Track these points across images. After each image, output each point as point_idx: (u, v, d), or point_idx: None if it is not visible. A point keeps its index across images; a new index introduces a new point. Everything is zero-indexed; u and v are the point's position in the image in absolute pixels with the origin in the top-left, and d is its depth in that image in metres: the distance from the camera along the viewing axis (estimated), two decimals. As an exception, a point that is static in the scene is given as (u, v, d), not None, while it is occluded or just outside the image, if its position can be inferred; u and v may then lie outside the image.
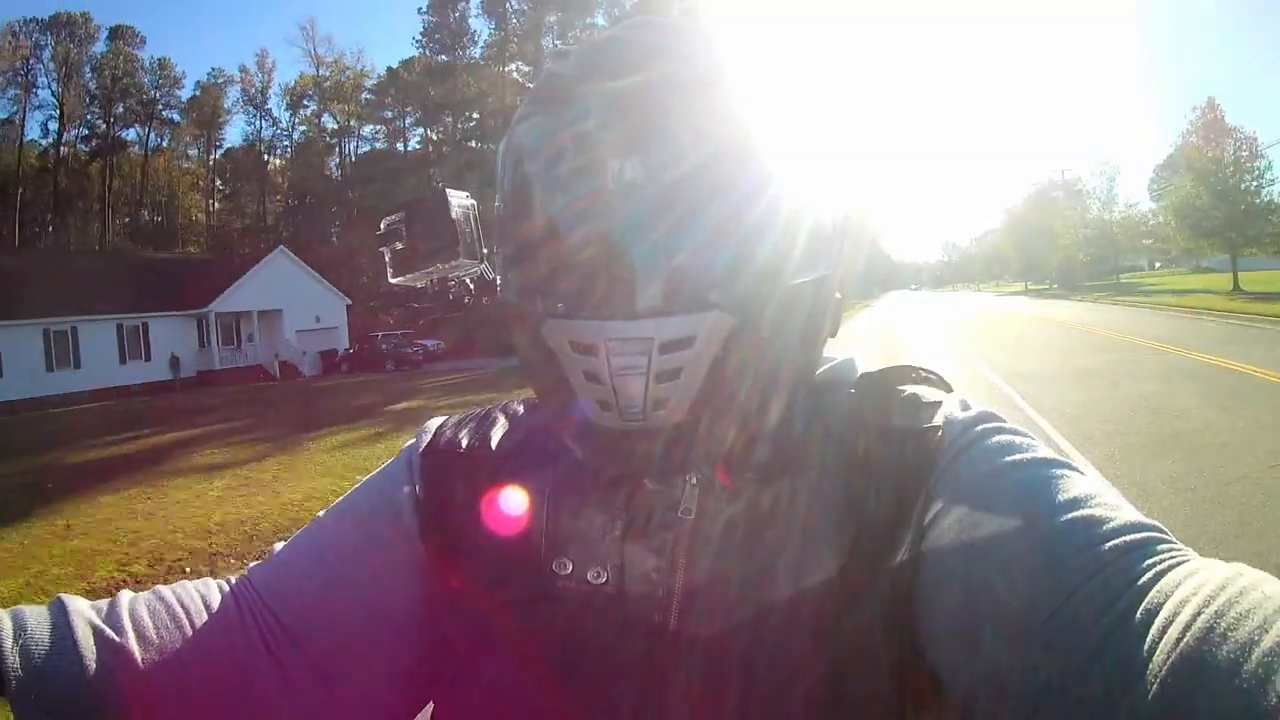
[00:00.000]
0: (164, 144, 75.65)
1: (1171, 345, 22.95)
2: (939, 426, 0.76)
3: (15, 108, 66.97)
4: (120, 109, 71.89)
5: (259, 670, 0.79)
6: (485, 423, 0.94)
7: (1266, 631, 0.49)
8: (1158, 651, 0.52)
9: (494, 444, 0.90)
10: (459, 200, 0.93)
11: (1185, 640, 0.51)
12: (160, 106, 74.65)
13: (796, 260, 0.71)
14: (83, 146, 70.34)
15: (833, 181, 0.79)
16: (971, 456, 0.72)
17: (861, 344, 25.33)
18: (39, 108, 68.14)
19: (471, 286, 0.97)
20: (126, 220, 71.69)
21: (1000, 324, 41.30)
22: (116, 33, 72.09)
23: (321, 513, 0.92)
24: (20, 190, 64.66)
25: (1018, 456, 0.70)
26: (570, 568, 0.78)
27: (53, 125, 68.87)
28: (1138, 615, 0.55)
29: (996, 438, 0.73)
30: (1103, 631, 0.55)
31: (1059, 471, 0.68)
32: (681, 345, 0.67)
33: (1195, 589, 0.54)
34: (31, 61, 66.86)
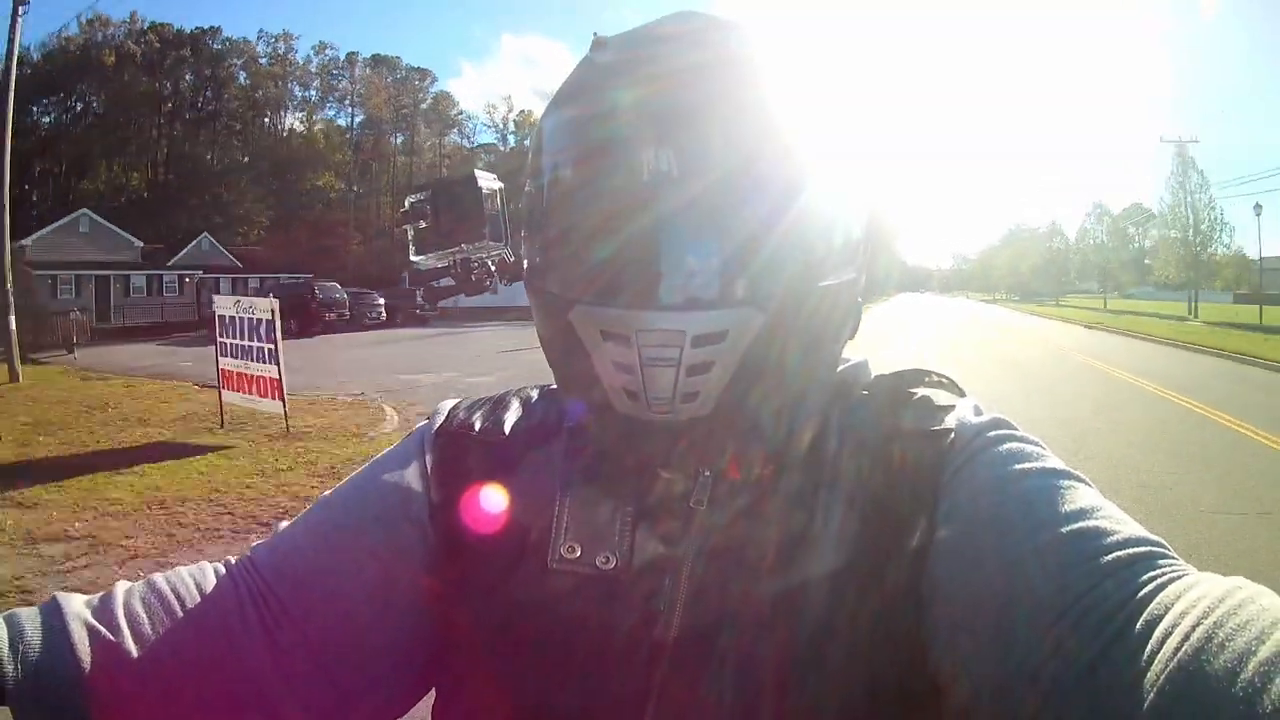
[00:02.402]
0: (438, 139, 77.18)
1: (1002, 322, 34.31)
2: (951, 429, 0.53)
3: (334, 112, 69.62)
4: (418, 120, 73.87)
5: (258, 656, 0.54)
6: (499, 406, 0.64)
7: (1263, 642, 0.36)
8: (1156, 661, 0.38)
9: (507, 428, 0.62)
10: (488, 182, 0.63)
11: (1183, 651, 0.37)
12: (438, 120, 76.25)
13: (828, 262, 0.51)
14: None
15: (865, 185, 0.55)
16: (982, 462, 0.51)
17: (879, 322, 28.35)
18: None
19: (493, 268, 0.66)
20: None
21: (953, 310, 49.56)
22: (420, 73, 74.05)
23: (329, 492, 0.63)
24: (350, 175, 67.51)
25: (1027, 465, 0.49)
26: (579, 552, 0.54)
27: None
28: (1138, 626, 0.40)
29: (1007, 445, 0.51)
30: (1104, 642, 0.40)
31: (1066, 482, 0.48)
32: (713, 340, 0.47)
33: (1194, 602, 0.39)
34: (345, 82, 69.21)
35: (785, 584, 0.50)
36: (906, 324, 23.58)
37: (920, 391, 0.57)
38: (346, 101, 68.97)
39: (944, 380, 0.60)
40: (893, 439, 0.54)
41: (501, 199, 0.63)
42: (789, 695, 0.48)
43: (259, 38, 65.00)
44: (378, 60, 71.00)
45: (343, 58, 69.05)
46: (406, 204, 0.65)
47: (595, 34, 0.54)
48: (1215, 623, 0.37)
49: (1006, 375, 13.55)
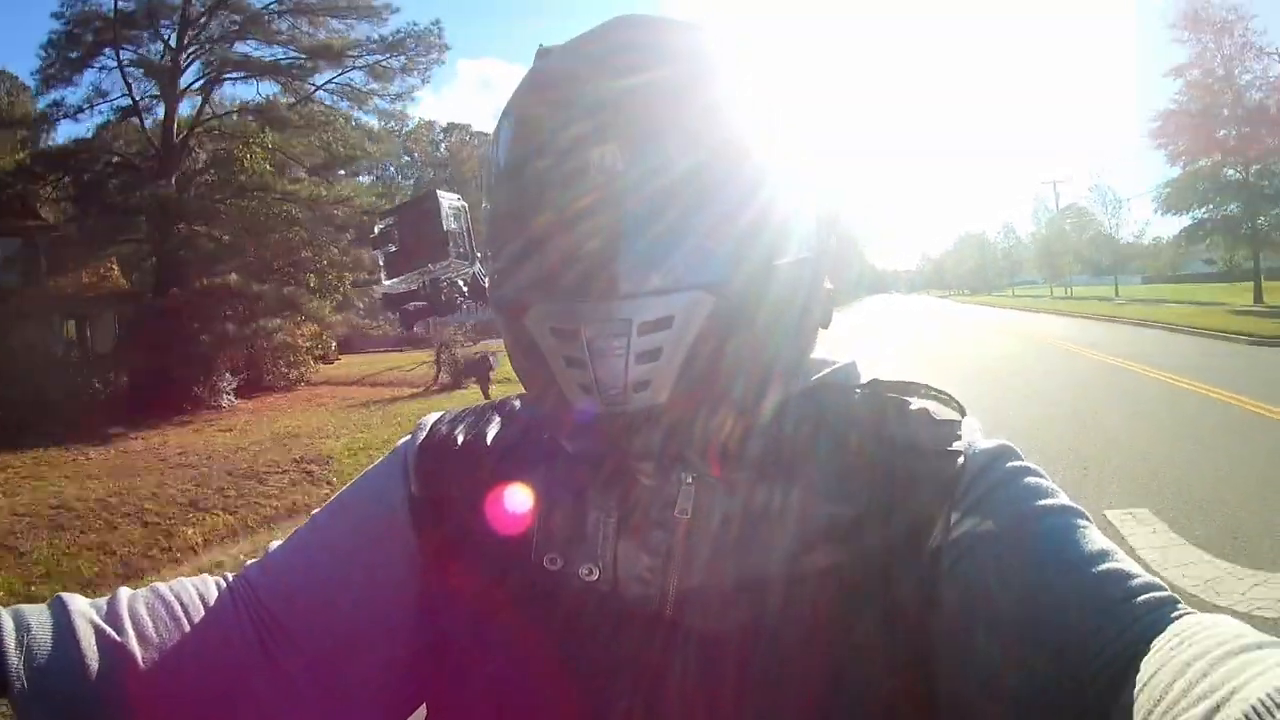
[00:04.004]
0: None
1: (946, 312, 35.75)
2: (960, 452, 0.43)
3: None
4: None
5: (256, 668, 0.46)
6: (481, 419, 0.53)
7: None
8: (1185, 699, 0.30)
9: (489, 440, 0.51)
10: (450, 201, 0.51)
11: (1213, 694, 0.29)
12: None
13: (773, 242, 0.41)
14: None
15: (814, 171, 0.45)
16: (1004, 495, 0.41)
17: (858, 317, 29.43)
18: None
19: (464, 288, 0.54)
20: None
21: (915, 305, 50.69)
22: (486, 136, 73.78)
23: (316, 510, 0.54)
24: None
25: (1048, 502, 0.41)
26: (560, 563, 0.44)
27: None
28: (1169, 669, 0.32)
29: (1026, 479, 0.42)
30: (1135, 681, 0.33)
31: (1082, 523, 0.40)
32: (660, 326, 0.39)
33: (1206, 644, 0.32)
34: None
35: (774, 595, 0.40)
36: (880, 330, 22.72)
37: (918, 402, 0.46)
38: (430, 167, 69.55)
39: (943, 395, 0.48)
40: (895, 448, 0.43)
41: (466, 217, 0.52)
42: (779, 705, 0.39)
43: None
44: (452, 126, 71.40)
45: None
46: (375, 229, 0.53)
47: (540, 45, 0.46)
48: (1240, 663, 0.30)
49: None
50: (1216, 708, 0.28)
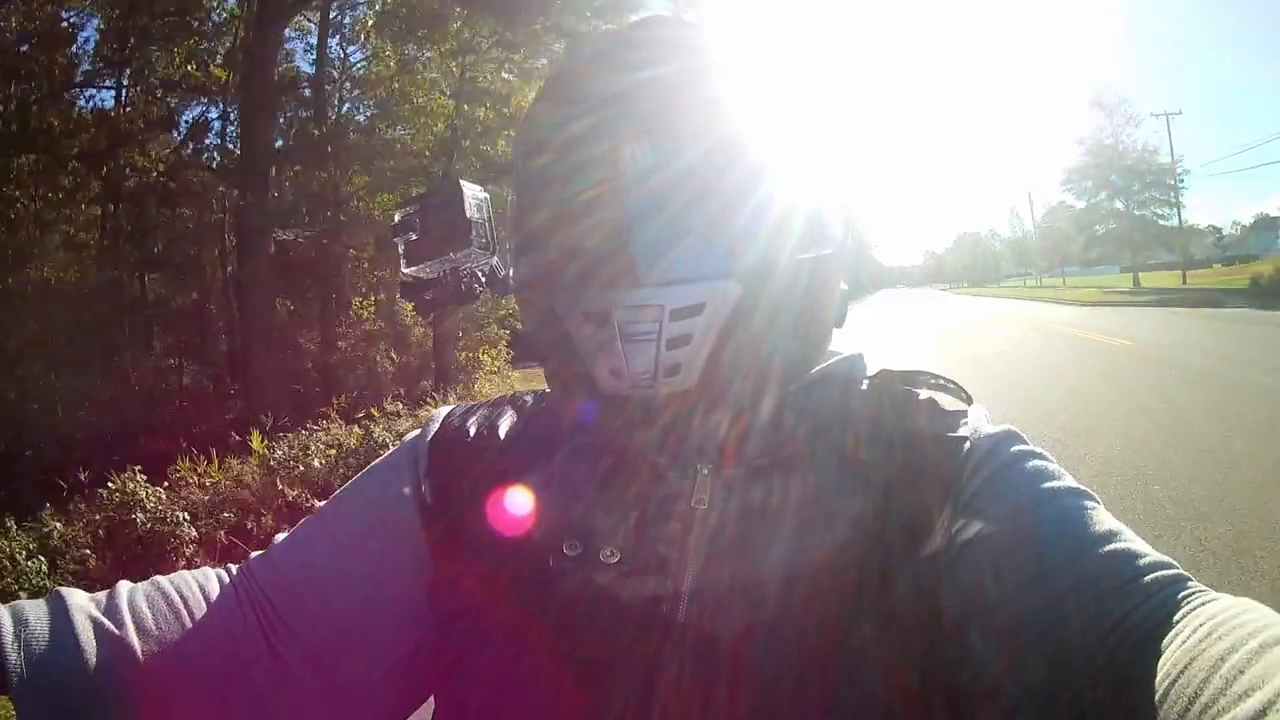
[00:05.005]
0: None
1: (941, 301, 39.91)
2: (966, 438, 0.40)
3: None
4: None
5: (258, 662, 0.41)
6: (494, 412, 0.49)
7: None
8: (1190, 670, 0.28)
9: (503, 433, 0.46)
10: (473, 192, 0.47)
11: (1222, 668, 0.28)
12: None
13: (799, 236, 0.39)
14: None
15: (834, 170, 0.43)
16: (1009, 480, 0.38)
17: (875, 309, 28.53)
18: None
19: (483, 278, 0.49)
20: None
21: (920, 298, 52.14)
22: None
23: (322, 503, 0.48)
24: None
25: (1055, 484, 0.38)
26: (580, 548, 0.40)
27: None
28: (1183, 645, 0.30)
29: (1032, 462, 0.39)
30: (1149, 657, 0.30)
31: (1090, 504, 0.37)
32: (691, 313, 0.37)
33: (1239, 635, 0.29)
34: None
35: (788, 586, 0.37)
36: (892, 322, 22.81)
37: (925, 392, 0.44)
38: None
39: (949, 384, 0.45)
40: (903, 438, 0.41)
41: (488, 208, 0.48)
42: (790, 697, 0.36)
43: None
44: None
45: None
46: (396, 217, 0.49)
47: (566, 42, 0.50)
48: (1261, 643, 0.28)
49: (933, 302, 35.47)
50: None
